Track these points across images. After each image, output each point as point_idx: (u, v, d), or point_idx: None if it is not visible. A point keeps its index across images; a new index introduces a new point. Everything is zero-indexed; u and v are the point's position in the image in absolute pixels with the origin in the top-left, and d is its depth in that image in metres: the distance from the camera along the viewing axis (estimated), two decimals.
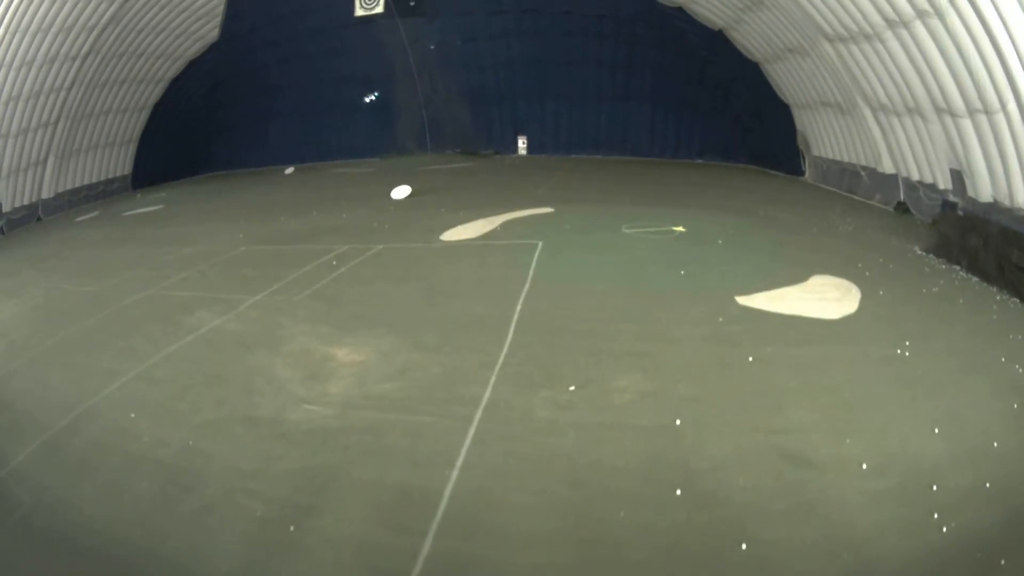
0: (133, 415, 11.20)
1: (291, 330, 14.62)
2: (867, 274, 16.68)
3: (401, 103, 49.14)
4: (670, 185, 32.26)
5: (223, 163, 53.57)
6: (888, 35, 21.98)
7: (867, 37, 23.26)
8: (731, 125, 39.45)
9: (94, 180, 44.54)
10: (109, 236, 29.17)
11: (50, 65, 35.87)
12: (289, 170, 47.88)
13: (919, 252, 19.47)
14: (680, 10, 35.47)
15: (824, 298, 15.16)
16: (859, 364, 11.62)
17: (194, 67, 46.58)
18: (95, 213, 38.38)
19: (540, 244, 20.34)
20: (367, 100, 49.52)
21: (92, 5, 35.52)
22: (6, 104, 34.48)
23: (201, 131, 52.10)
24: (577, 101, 44.46)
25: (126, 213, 36.21)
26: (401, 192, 31.10)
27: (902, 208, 25.33)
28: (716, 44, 35.45)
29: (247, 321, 15.52)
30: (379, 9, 41.50)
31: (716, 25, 34.48)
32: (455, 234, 22.63)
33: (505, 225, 23.49)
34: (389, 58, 46.83)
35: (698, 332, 13.19)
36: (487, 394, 10.96)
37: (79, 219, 37.17)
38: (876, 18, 22.03)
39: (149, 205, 37.74)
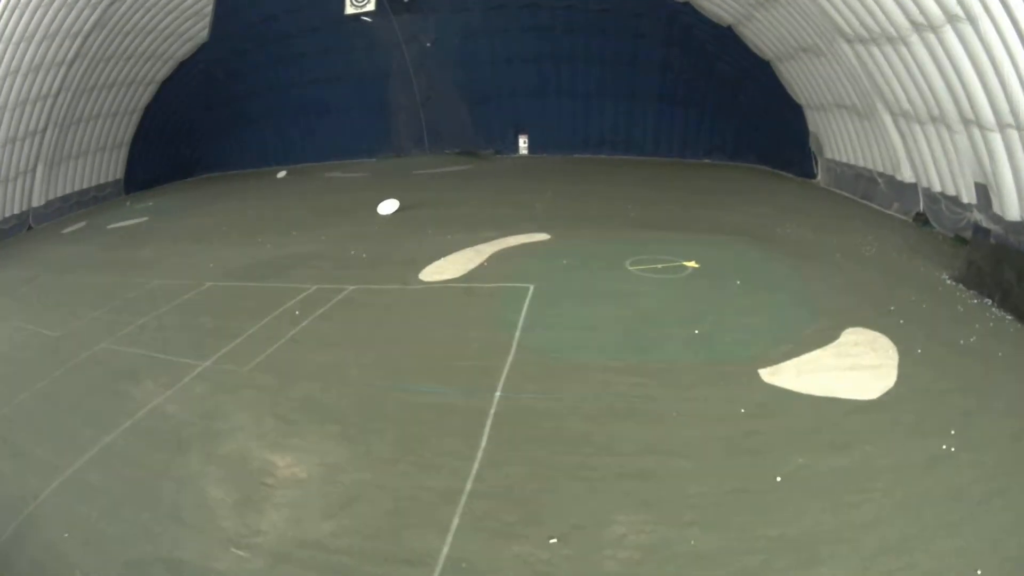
0: (67, 535, 10.13)
1: (232, 421, 12.44)
2: (901, 321, 14.55)
3: (397, 102, 46.21)
4: (678, 196, 29.11)
5: (218, 165, 51.18)
6: (914, 39, 19.66)
7: (890, 40, 20.88)
8: (739, 124, 36.73)
9: (86, 186, 42.79)
10: (87, 258, 27.46)
11: (35, 73, 34.17)
12: (281, 174, 45.46)
13: (949, 282, 17.45)
14: (687, 5, 32.73)
15: (859, 364, 12.87)
16: (902, 477, 9.49)
17: (185, 68, 44.22)
18: (82, 224, 36.60)
19: (531, 289, 17.56)
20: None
21: (76, 10, 33.69)
22: None
23: (195, 133, 49.84)
24: (580, 99, 41.40)
25: (110, 225, 34.32)
26: (388, 207, 28.34)
27: (922, 219, 23.22)
28: (725, 41, 32.78)
29: (189, 401, 13.46)
30: (370, 7, 38.69)
31: (725, 21, 31.77)
32: (436, 271, 19.87)
33: (494, 258, 20.57)
34: (384, 56, 43.98)
35: (716, 434, 10.75)
36: (445, 549, 8.59)
37: (66, 230, 35.58)
38: (901, 20, 19.66)
39: (135, 216, 35.75)
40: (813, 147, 31.11)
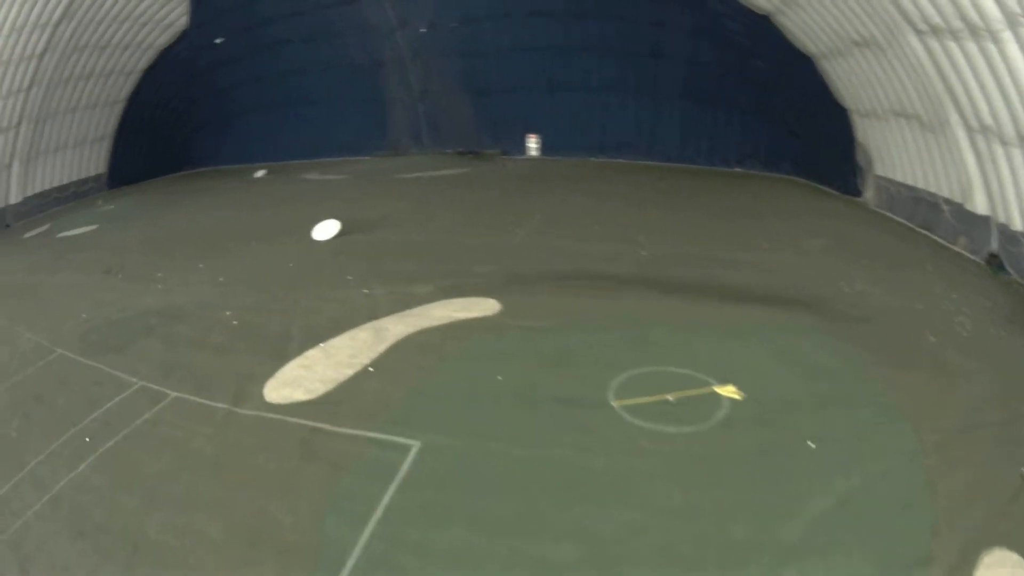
0: None
1: None
2: None
3: (392, 95, 41.58)
4: (707, 222, 23.09)
5: (206, 159, 47.20)
6: (1006, 36, 14.86)
7: (976, 33, 15.86)
8: (775, 129, 31.19)
9: (66, 181, 39.75)
10: (4, 283, 23.83)
11: (3, 68, 31.59)
12: (259, 173, 41.36)
13: None
14: None
15: None
16: None
17: (167, 57, 40.17)
18: (45, 227, 33.53)
19: (412, 454, 10.54)
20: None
21: (42, 2, 30.89)
22: None
23: (182, 125, 45.92)
24: (596, 95, 36.16)
25: (61, 234, 31.03)
26: (325, 231, 23.57)
27: (996, 263, 18.27)
28: (761, 32, 27.38)
29: None
30: None
31: (762, 8, 26.27)
32: (297, 374, 13.67)
33: (392, 355, 14.02)
34: (377, 43, 39.44)
35: None
36: None
37: (28, 234, 32.86)
38: (993, 10, 14.82)
39: (90, 223, 32.36)
40: (861, 160, 25.64)
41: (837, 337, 13.48)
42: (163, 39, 39.27)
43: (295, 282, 19.61)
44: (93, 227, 31.37)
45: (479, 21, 36.46)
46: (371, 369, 13.43)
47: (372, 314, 16.09)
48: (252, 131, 45.03)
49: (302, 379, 13.36)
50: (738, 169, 32.84)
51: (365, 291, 17.80)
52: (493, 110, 39.27)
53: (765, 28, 26.87)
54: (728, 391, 11.29)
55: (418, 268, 19.20)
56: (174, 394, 13.54)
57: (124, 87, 40.25)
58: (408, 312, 15.94)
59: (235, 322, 16.99)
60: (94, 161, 41.48)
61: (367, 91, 41.29)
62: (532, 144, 39.08)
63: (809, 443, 10.11)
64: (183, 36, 39.36)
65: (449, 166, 37.20)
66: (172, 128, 45.75)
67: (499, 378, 12.40)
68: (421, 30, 37.90)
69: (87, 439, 12.48)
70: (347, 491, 9.94)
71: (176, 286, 20.38)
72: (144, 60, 39.78)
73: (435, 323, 15.17)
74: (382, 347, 14.23)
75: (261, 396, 12.93)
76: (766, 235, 21.13)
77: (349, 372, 13.37)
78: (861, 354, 12.71)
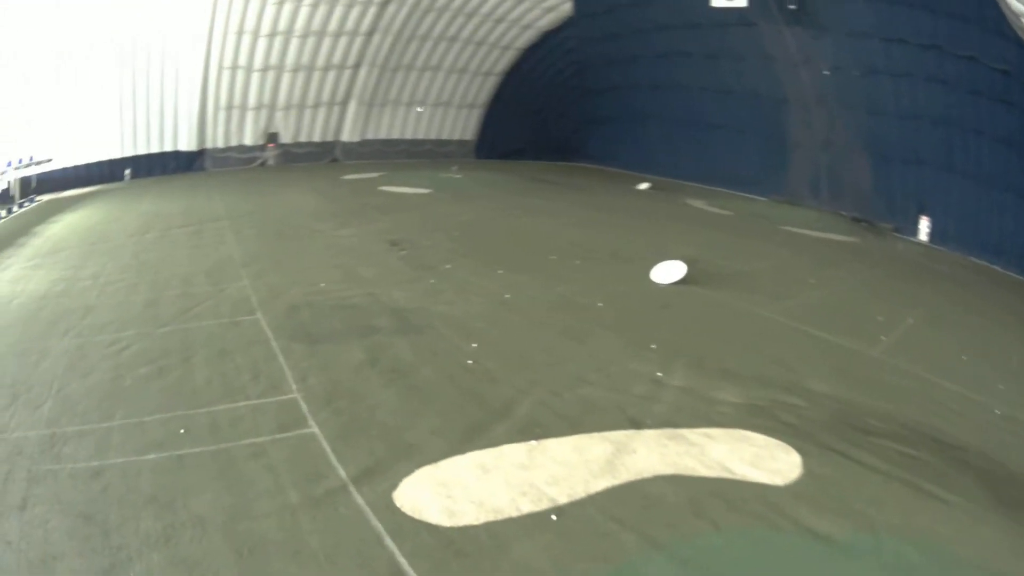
0: None
1: None
2: None
3: (796, 137, 44.26)
4: None
5: (595, 155, 53.96)
6: None
7: None
8: None
9: (420, 136, 49.72)
10: (277, 219, 29.21)
11: (330, 4, 40.22)
12: (643, 185, 46.22)
13: None
14: None
15: None
16: None
17: (551, 40, 48.93)
18: (372, 175, 40.40)
19: None
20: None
21: None
22: (269, 38, 39.89)
23: (570, 116, 53.69)
24: (986, 188, 36.44)
25: (383, 187, 36.96)
26: (666, 273, 23.34)
27: None
28: None
29: None
30: (740, 3, 37.51)
31: None
32: (448, 480, 10.73)
33: (609, 502, 10.27)
34: (780, 76, 42.94)
35: None
36: None
37: (348, 176, 39.91)
38: None
39: (420, 186, 37.48)
40: None
41: None
42: (544, 21, 48.35)
43: (586, 332, 18.04)
44: (425, 191, 36.48)
45: (879, 75, 38.93)
46: (554, 517, 10.08)
47: (637, 418, 13.35)
48: (645, 139, 51.29)
49: (459, 487, 10.75)
50: None
51: (659, 374, 15.49)
52: (890, 178, 41.07)
53: None
54: None
55: (741, 362, 16.63)
56: (313, 429, 12.60)
57: (500, 60, 50.23)
58: (682, 433, 12.86)
59: (470, 362, 15.76)
60: (460, 126, 51.66)
61: (768, 126, 44.91)
62: (924, 227, 40.07)
63: None
64: (568, 23, 47.71)
65: (838, 231, 37.46)
66: (559, 116, 53.97)
67: None
68: (824, 72, 41.10)
69: (182, 430, 12.46)
70: None
71: (450, 288, 20.97)
72: (524, 38, 49.29)
73: (699, 471, 11.61)
74: (602, 483, 10.90)
75: (391, 488, 10.69)
76: None
77: (524, 507, 10.25)
78: None
